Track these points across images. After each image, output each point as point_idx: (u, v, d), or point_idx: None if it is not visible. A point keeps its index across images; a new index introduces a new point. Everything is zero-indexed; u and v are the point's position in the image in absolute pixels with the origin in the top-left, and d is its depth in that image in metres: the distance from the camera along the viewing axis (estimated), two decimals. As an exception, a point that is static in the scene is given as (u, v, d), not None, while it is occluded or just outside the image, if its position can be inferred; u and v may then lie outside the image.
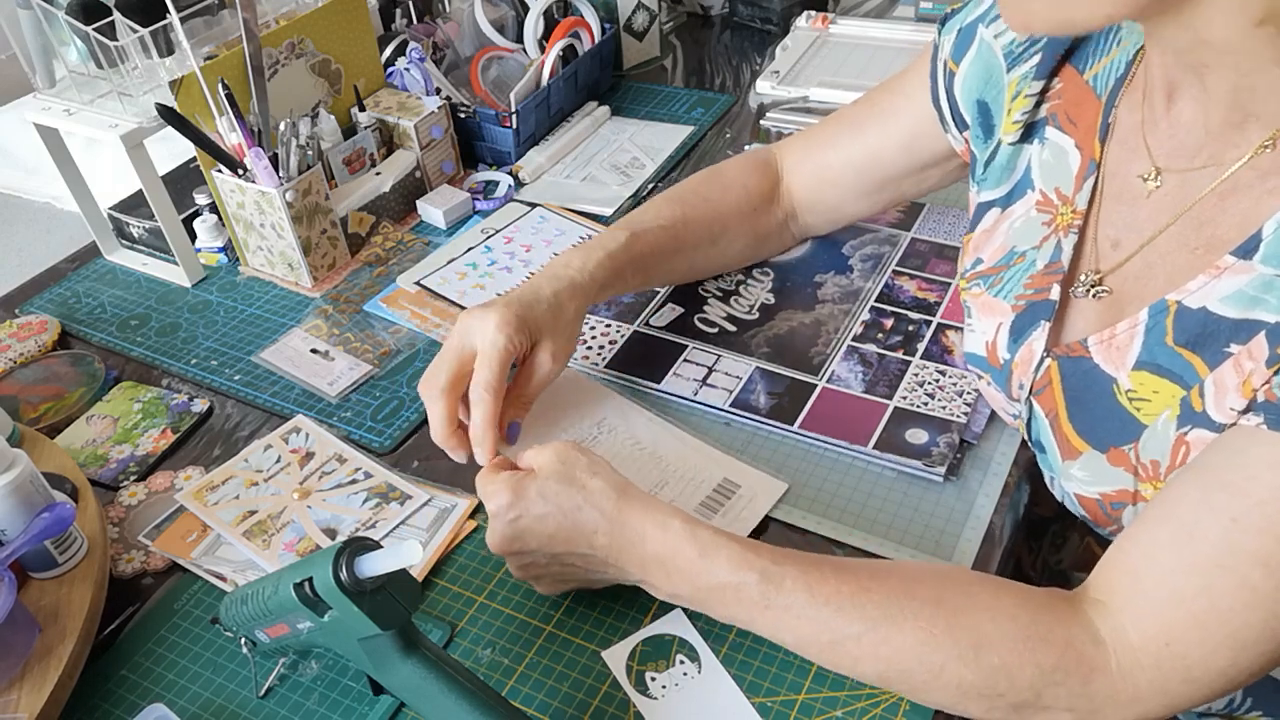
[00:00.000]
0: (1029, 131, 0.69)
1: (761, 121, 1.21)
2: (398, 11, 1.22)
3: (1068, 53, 0.67)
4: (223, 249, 1.04)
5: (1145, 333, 0.59)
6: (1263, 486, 0.50)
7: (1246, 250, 0.53)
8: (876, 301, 0.89)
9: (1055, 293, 0.66)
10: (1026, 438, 0.71)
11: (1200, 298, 0.55)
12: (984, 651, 0.55)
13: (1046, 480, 0.73)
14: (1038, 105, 0.68)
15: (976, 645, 0.55)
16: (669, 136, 1.19)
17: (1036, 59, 0.67)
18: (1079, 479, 0.64)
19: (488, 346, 0.71)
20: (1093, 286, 0.64)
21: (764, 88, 1.25)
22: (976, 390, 0.78)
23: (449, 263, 1.00)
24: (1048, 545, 0.89)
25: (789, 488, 0.74)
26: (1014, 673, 0.54)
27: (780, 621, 0.59)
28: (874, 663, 0.57)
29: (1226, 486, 0.52)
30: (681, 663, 0.64)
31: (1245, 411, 0.52)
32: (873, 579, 0.58)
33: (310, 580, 0.57)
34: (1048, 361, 0.66)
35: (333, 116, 1.04)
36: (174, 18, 0.91)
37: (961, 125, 0.76)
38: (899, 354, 0.83)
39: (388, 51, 1.14)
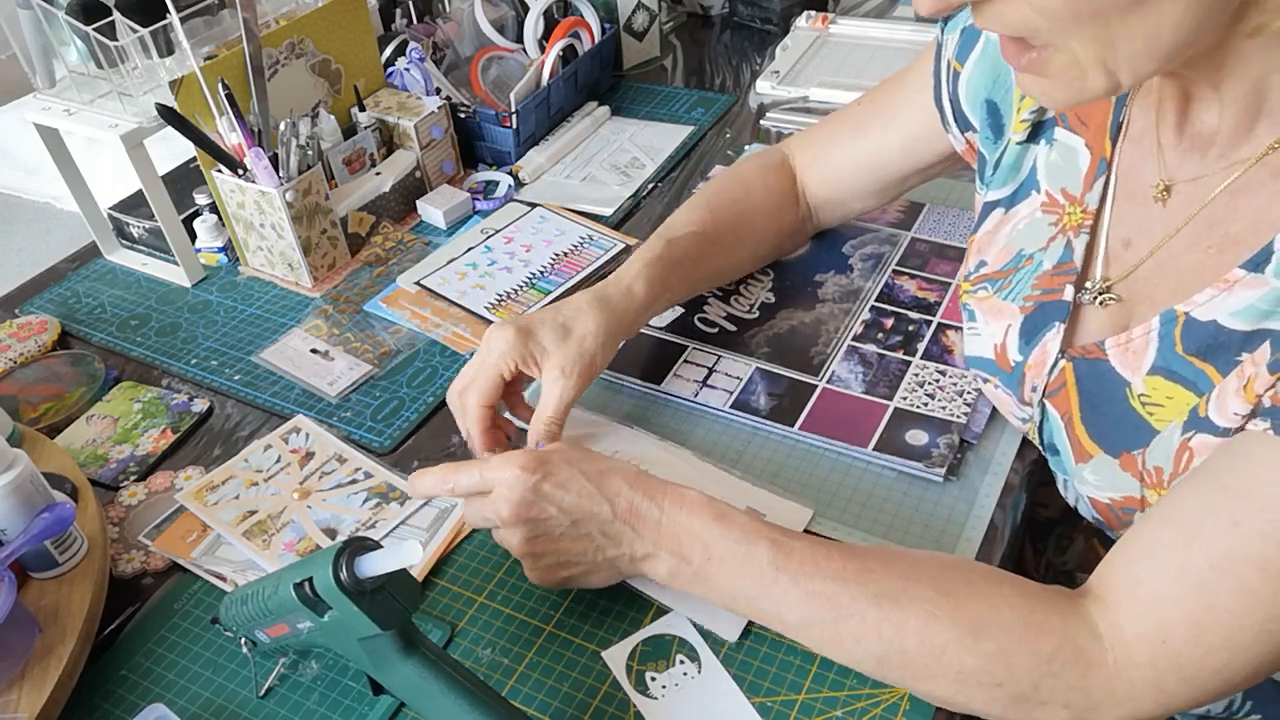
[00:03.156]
0: (1035, 132, 0.69)
1: (761, 121, 1.21)
2: (398, 11, 1.22)
3: None
4: (223, 249, 1.04)
5: (1159, 339, 0.59)
6: (1266, 491, 0.50)
7: (1258, 263, 0.53)
8: (877, 301, 0.89)
9: (1069, 293, 0.66)
10: (1038, 441, 0.71)
11: (1209, 310, 0.55)
12: (982, 637, 0.55)
13: (1059, 483, 0.73)
14: None
15: (975, 630, 0.55)
16: (669, 136, 1.19)
17: None
18: (1091, 482, 0.64)
19: (483, 357, 0.74)
20: (1101, 294, 0.64)
21: (764, 88, 1.25)
22: (977, 390, 0.78)
23: (449, 263, 1.00)
24: (1053, 547, 0.89)
25: (814, 513, 0.72)
26: (1011, 660, 0.54)
27: (786, 595, 0.59)
28: (876, 643, 0.57)
29: (1229, 489, 0.52)
30: (681, 663, 0.64)
31: (1251, 416, 0.52)
32: (877, 561, 0.60)
33: (310, 580, 0.57)
34: (1062, 363, 0.66)
35: (333, 116, 1.04)
36: (174, 18, 0.91)
37: (964, 126, 0.75)
38: (899, 354, 0.83)
39: (388, 51, 1.14)
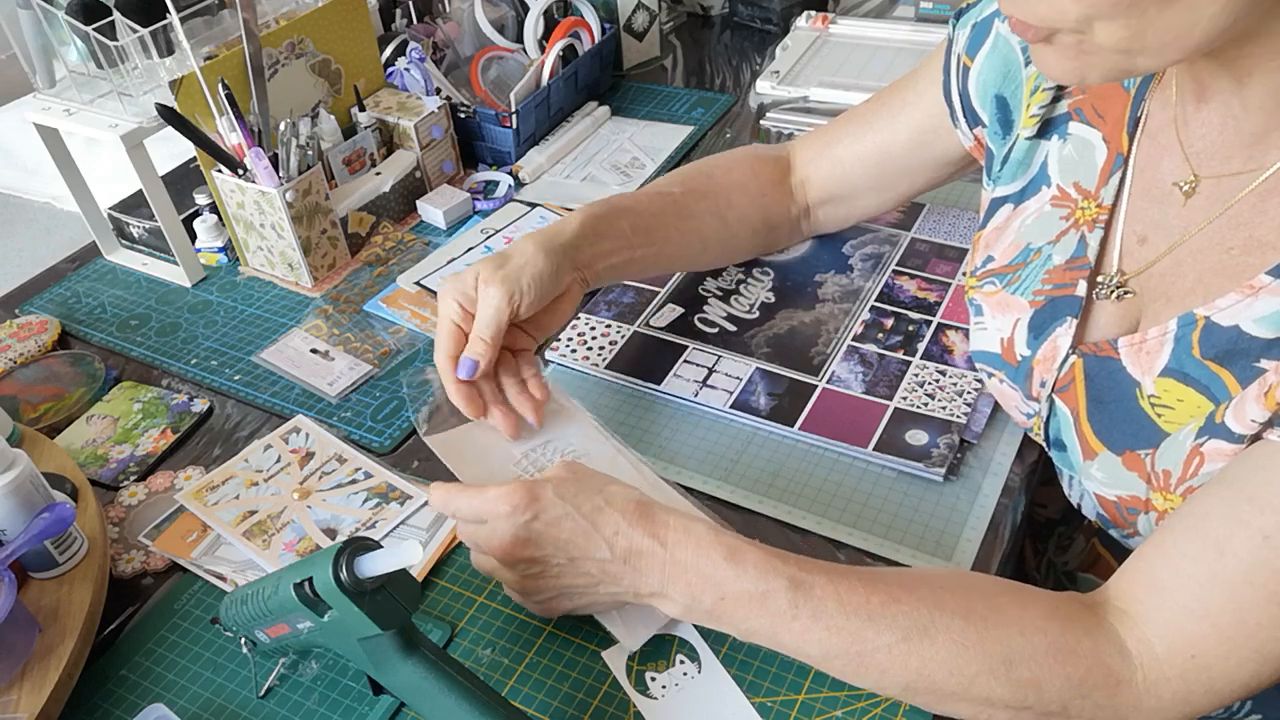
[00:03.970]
0: (1046, 127, 0.68)
1: (761, 121, 1.21)
2: (398, 11, 1.22)
3: None
4: (223, 249, 1.04)
5: (1174, 341, 0.59)
6: None
7: None
8: (877, 301, 0.89)
9: (1082, 289, 0.65)
10: (1043, 437, 0.71)
11: (1232, 315, 0.55)
12: (1015, 666, 0.54)
13: (1064, 480, 0.73)
14: (1056, 100, 0.68)
15: (1008, 659, 0.54)
16: (669, 136, 1.19)
17: None
18: (1098, 479, 0.64)
19: (482, 303, 0.73)
20: (1117, 288, 0.64)
21: (764, 88, 1.25)
22: (976, 390, 0.78)
23: (449, 263, 1.00)
24: (1053, 547, 0.89)
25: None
26: (1043, 686, 0.54)
27: (808, 633, 0.56)
28: (903, 674, 0.56)
29: (1256, 501, 0.52)
30: (681, 663, 0.64)
31: (1269, 425, 0.52)
32: (901, 589, 0.57)
33: (310, 580, 0.57)
34: (1073, 358, 0.65)
35: (333, 116, 1.04)
36: (174, 18, 0.91)
37: (973, 121, 0.75)
38: (899, 354, 0.83)
39: (388, 51, 1.14)
